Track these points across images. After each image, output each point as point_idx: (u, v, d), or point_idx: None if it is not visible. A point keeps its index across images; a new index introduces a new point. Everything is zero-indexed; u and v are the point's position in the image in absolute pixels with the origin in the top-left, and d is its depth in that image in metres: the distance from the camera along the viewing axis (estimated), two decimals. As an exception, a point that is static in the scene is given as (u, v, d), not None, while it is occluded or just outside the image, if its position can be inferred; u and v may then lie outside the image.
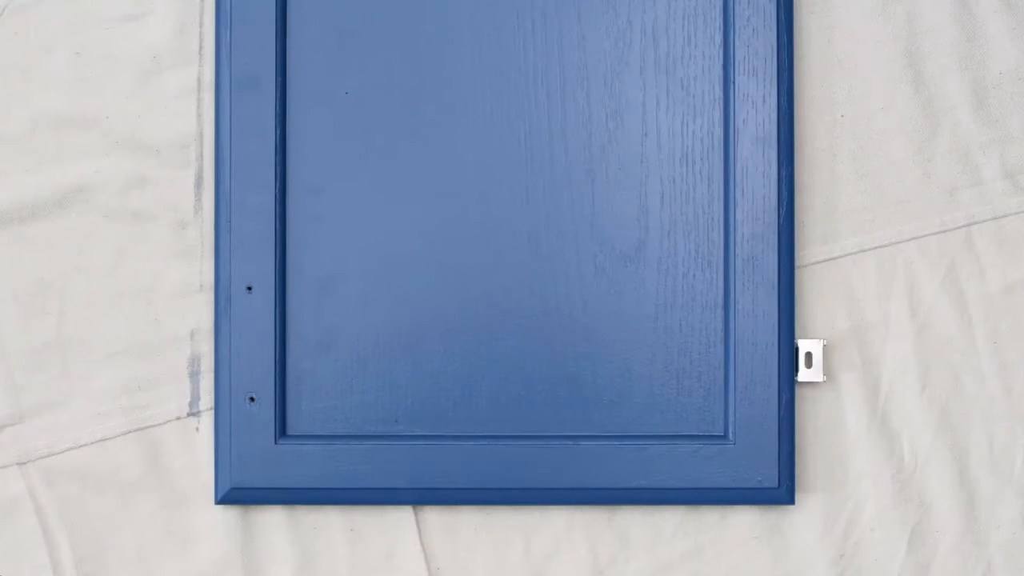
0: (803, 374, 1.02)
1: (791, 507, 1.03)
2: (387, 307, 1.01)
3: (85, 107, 1.03)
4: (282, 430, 1.01)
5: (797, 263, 1.02)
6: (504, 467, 1.01)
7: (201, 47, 1.03)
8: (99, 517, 1.02)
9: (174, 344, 1.02)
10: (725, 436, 1.01)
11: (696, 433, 1.02)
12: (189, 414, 1.03)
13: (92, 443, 1.02)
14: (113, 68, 1.03)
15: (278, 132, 1.00)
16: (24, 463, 1.02)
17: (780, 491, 1.01)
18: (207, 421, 1.02)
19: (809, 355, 1.02)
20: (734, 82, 1.01)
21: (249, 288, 1.00)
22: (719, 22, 1.02)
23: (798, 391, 1.02)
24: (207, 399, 1.02)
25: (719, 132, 1.02)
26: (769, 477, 1.01)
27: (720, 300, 1.02)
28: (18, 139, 1.02)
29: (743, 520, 1.03)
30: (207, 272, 1.02)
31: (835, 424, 1.03)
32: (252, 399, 1.00)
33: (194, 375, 1.03)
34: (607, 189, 1.02)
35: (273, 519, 1.02)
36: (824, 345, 1.02)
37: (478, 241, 1.02)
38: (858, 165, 1.04)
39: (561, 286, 1.02)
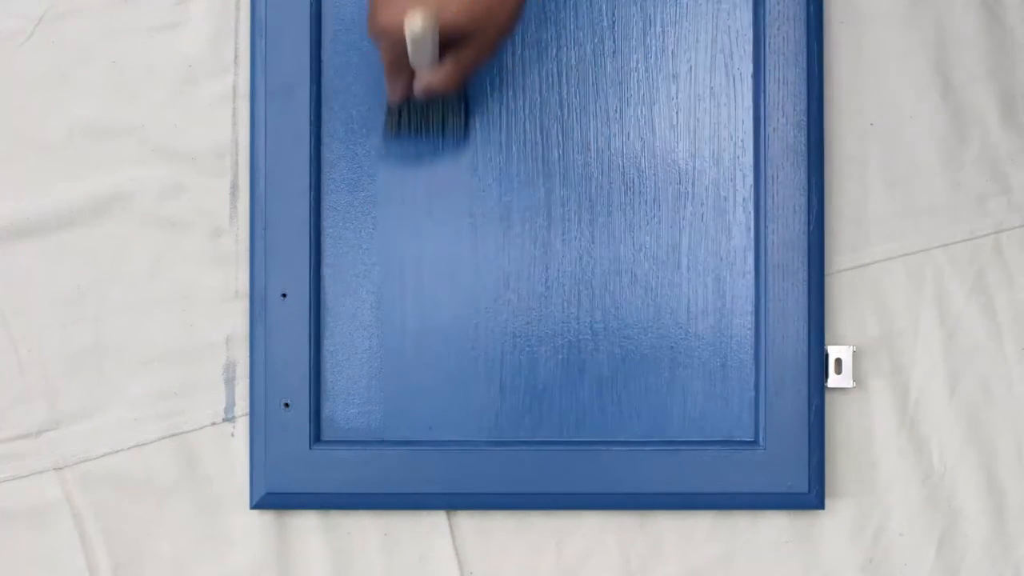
0: (833, 380, 1.02)
1: (821, 512, 1.04)
2: (421, 313, 1.02)
3: (121, 116, 1.03)
4: (316, 436, 1.02)
5: (827, 270, 1.03)
6: (537, 472, 1.01)
7: (236, 56, 1.04)
8: (135, 522, 1.03)
9: (209, 350, 1.03)
10: (756, 442, 1.02)
11: (727, 439, 1.02)
12: (224, 420, 1.03)
13: (128, 448, 1.03)
14: (149, 77, 1.04)
15: (313, 140, 1.01)
16: (61, 468, 1.03)
17: (810, 496, 1.02)
18: (242, 427, 1.03)
19: (839, 361, 1.03)
20: (764, 91, 1.02)
21: (284, 295, 1.01)
22: (749, 31, 1.02)
23: (828, 397, 1.03)
24: (242, 405, 1.03)
25: (749, 140, 1.02)
26: (799, 482, 1.02)
27: (751, 307, 1.02)
28: (55, 147, 1.03)
29: (773, 525, 1.04)
30: (242, 279, 1.03)
31: (864, 430, 1.04)
32: (287, 405, 1.01)
33: (229, 381, 1.03)
34: (639, 197, 1.03)
35: (308, 524, 1.03)
36: (854, 351, 1.03)
37: (513, 247, 1.03)
38: (887, 173, 1.04)
39: (596, 292, 1.02)
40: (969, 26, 1.05)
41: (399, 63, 0.93)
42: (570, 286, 1.03)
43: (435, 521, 1.03)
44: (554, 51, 1.03)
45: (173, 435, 1.03)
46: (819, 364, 1.02)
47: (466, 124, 1.01)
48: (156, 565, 1.03)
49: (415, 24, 0.84)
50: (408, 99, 0.98)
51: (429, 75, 0.92)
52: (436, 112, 0.99)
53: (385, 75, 0.96)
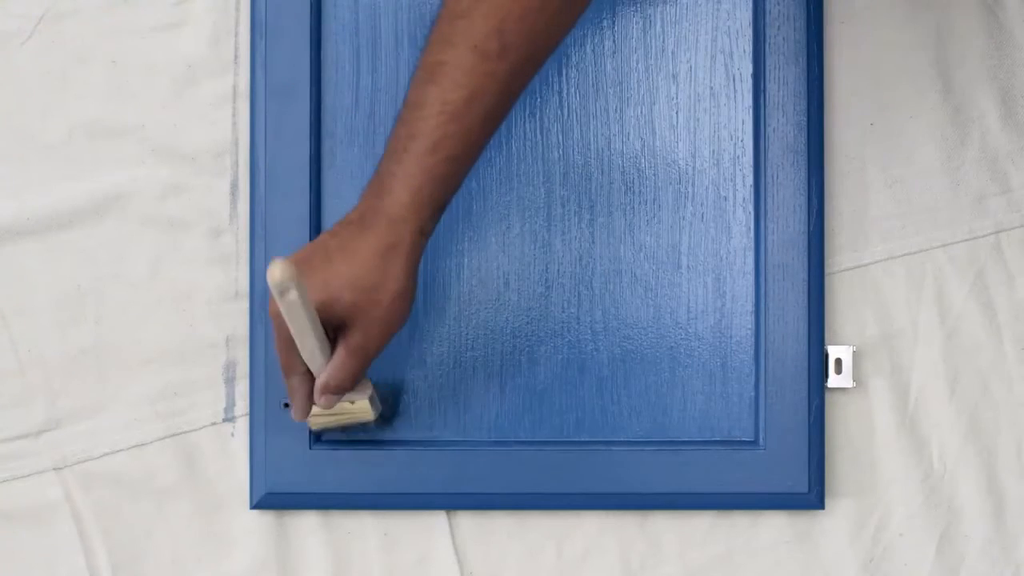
0: (833, 380, 1.02)
1: (821, 512, 1.03)
2: (421, 313, 1.02)
3: (122, 116, 1.03)
4: (316, 436, 1.01)
5: (827, 270, 1.03)
6: (537, 472, 1.01)
7: (236, 56, 1.04)
8: (135, 522, 1.03)
9: (209, 350, 1.03)
10: (756, 442, 1.02)
11: (727, 439, 1.02)
12: (224, 420, 1.03)
13: (128, 448, 1.03)
14: (149, 77, 1.04)
15: (313, 140, 1.01)
16: (61, 468, 1.03)
17: (810, 496, 1.02)
18: (242, 427, 1.03)
19: (839, 361, 1.03)
20: (764, 91, 1.02)
21: (284, 295, 1.01)
22: (749, 31, 1.02)
23: (828, 397, 1.03)
24: (242, 405, 1.03)
25: (750, 141, 1.02)
26: (799, 482, 1.02)
27: (751, 307, 1.02)
28: (55, 147, 1.03)
29: (773, 525, 1.04)
30: (242, 279, 1.03)
31: (864, 430, 1.04)
32: (287, 405, 1.01)
33: (229, 381, 1.03)
34: (639, 197, 1.03)
35: (307, 524, 1.03)
36: (854, 351, 1.03)
37: (513, 247, 1.03)
38: (887, 173, 1.04)
39: (596, 292, 1.02)
40: (969, 26, 1.05)
41: (294, 369, 0.92)
42: (570, 286, 1.03)
43: (435, 521, 1.03)
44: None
45: (173, 435, 1.03)
46: (819, 364, 1.02)
47: (384, 410, 1.01)
48: (156, 565, 1.03)
49: (274, 273, 0.81)
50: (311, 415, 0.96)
51: (324, 374, 0.91)
52: (355, 428, 1.00)
53: (289, 395, 0.94)
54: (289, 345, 0.90)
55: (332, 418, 0.97)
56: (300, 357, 0.90)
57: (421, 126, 0.86)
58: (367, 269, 0.88)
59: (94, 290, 1.03)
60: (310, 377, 0.92)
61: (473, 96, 0.85)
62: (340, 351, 0.90)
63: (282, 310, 0.85)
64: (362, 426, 0.99)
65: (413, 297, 0.90)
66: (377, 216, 0.88)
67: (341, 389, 0.92)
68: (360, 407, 0.96)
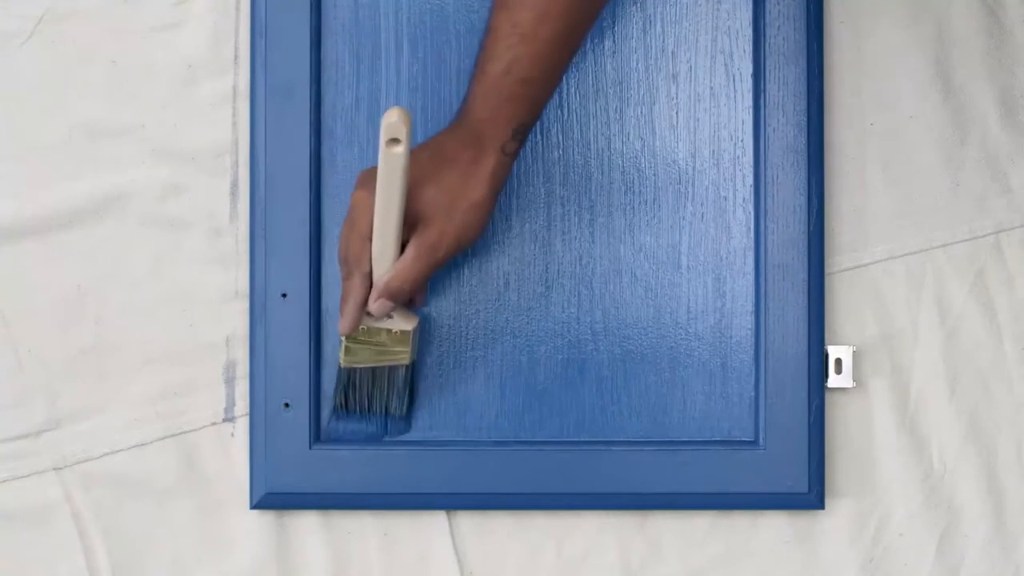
0: (833, 380, 1.02)
1: (821, 512, 1.03)
2: (420, 313, 1.02)
3: (122, 116, 1.03)
4: (316, 436, 1.01)
5: (827, 270, 1.03)
6: (537, 472, 1.01)
7: (236, 56, 1.04)
8: (135, 522, 1.03)
9: (210, 350, 1.03)
10: (756, 442, 1.02)
11: (727, 439, 1.03)
12: (224, 420, 1.03)
13: (128, 448, 1.03)
14: (149, 77, 1.04)
15: (313, 140, 1.01)
16: (61, 468, 1.03)
17: (810, 496, 1.02)
18: (242, 427, 1.03)
19: (839, 361, 1.03)
20: (764, 91, 1.02)
21: (284, 295, 1.01)
22: (749, 31, 1.02)
23: (828, 397, 1.03)
24: (242, 405, 1.03)
25: (749, 140, 1.02)
26: (799, 482, 1.02)
27: (751, 307, 1.02)
28: (55, 147, 1.03)
29: (773, 525, 1.04)
30: (242, 279, 1.03)
31: (864, 430, 1.04)
32: (287, 405, 1.01)
33: (229, 381, 1.03)
34: (639, 197, 1.03)
35: (308, 524, 1.03)
36: (854, 351, 1.03)
37: (513, 247, 1.03)
38: (887, 173, 1.04)
39: (596, 292, 1.02)
40: (969, 26, 1.05)
41: (360, 264, 0.93)
42: (570, 286, 1.03)
43: (435, 521, 1.03)
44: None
45: (173, 435, 1.03)
46: (819, 364, 1.02)
47: (409, 409, 1.01)
48: (156, 565, 1.03)
49: (393, 114, 0.85)
50: (356, 336, 0.97)
51: (387, 274, 0.93)
52: (380, 394, 0.99)
53: (341, 299, 0.96)
54: (363, 235, 0.92)
55: (369, 355, 0.97)
56: (369, 252, 0.92)
57: (495, 49, 0.91)
58: (453, 172, 0.92)
59: (94, 290, 1.03)
60: (369, 281, 0.94)
61: (541, 18, 0.90)
62: (410, 249, 0.92)
63: (382, 169, 0.88)
64: (387, 402, 0.99)
65: (489, 216, 0.93)
66: (463, 131, 0.93)
67: (401, 293, 0.93)
68: (400, 344, 0.97)
